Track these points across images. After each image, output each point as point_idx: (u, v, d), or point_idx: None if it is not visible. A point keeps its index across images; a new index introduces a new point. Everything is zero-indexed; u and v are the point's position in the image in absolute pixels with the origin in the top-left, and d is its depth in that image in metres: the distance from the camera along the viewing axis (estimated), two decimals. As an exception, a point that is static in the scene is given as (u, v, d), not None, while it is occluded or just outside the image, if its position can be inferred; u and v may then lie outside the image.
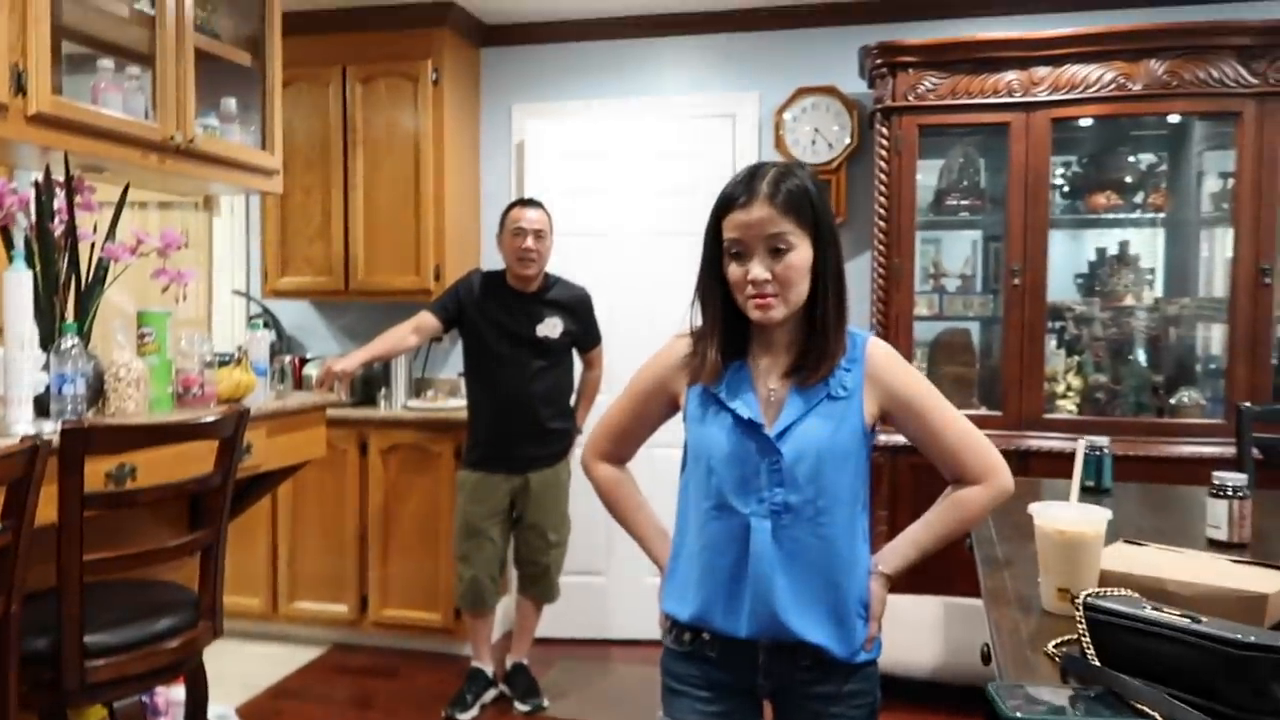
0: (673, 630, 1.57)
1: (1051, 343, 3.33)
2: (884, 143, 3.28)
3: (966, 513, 1.54)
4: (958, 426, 1.54)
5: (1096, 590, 1.17)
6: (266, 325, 3.78)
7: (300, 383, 4.00)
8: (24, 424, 1.92)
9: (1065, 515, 1.37)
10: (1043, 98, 3.13)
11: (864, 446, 1.52)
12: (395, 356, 3.64)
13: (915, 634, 1.98)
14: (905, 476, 3.17)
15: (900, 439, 3.12)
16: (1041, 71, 3.13)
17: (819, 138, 3.78)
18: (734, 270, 1.48)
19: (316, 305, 4.40)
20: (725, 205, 1.49)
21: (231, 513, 2.32)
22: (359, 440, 3.82)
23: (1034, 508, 1.42)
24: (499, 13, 4.00)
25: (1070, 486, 1.53)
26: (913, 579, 2.99)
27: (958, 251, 3.63)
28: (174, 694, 2.41)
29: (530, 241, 3.17)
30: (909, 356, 3.25)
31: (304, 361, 4.17)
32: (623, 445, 1.71)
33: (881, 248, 3.29)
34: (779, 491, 1.45)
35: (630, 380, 1.72)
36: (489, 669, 3.34)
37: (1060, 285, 3.40)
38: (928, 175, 3.47)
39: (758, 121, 3.90)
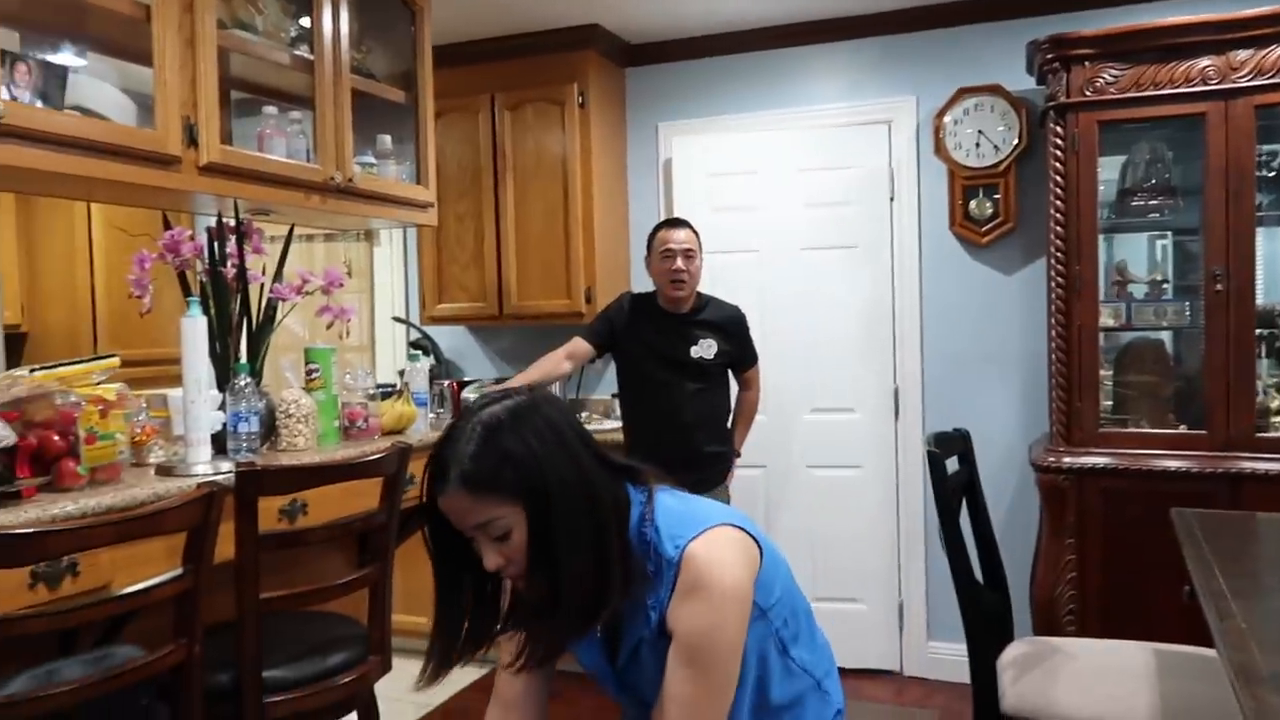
0: None
1: (1261, 352, 3.00)
2: (1058, 142, 3.04)
3: None
4: (696, 702, 1.20)
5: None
6: (426, 353, 3.87)
7: (459, 406, 4.07)
8: (203, 464, 1.99)
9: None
10: (1245, 83, 2.82)
11: None
12: (550, 384, 3.64)
13: (1125, 685, 1.78)
14: (1094, 501, 2.92)
15: (1087, 460, 2.91)
16: (1242, 55, 2.83)
17: (983, 140, 3.56)
18: (481, 555, 1.25)
19: (472, 330, 4.48)
20: (428, 490, 1.25)
21: (396, 541, 2.35)
22: (515, 464, 3.85)
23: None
24: (642, 32, 3.97)
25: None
26: (1114, 624, 2.76)
27: (1146, 255, 3.33)
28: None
29: (680, 262, 3.10)
30: (1093, 372, 3.00)
31: (462, 385, 4.24)
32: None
33: (1059, 254, 3.04)
34: None
35: None
36: None
37: (1270, 288, 3.06)
38: (1108, 173, 3.19)
39: (915, 127, 3.71)
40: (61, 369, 1.87)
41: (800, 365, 3.80)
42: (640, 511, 1.28)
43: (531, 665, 1.30)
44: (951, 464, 2.07)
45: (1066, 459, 2.95)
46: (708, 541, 1.23)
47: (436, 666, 1.31)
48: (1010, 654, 2.03)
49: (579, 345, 3.22)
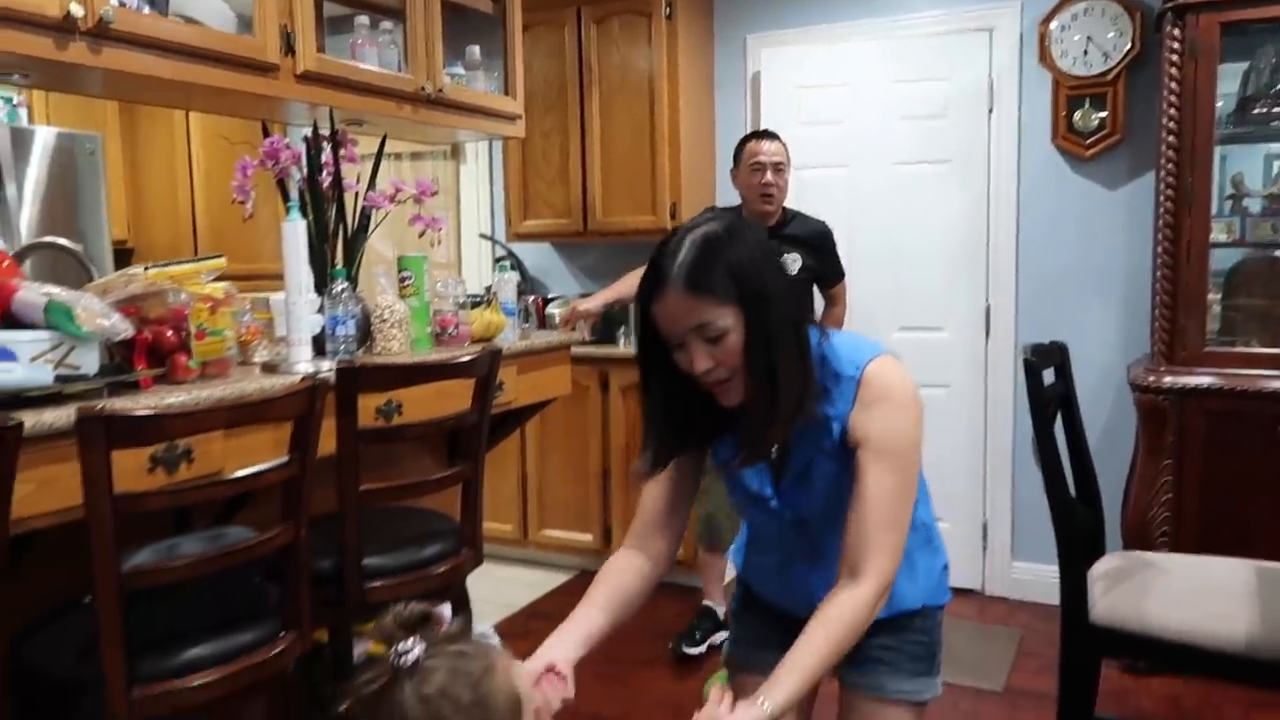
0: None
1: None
2: (1175, 46, 2.87)
3: (850, 621, 1.28)
4: (893, 498, 1.31)
5: None
6: (512, 267, 3.91)
7: (544, 322, 4.13)
8: (305, 363, 2.06)
9: None
10: (1385, -23, 2.62)
11: None
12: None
13: (1224, 602, 1.74)
14: (1195, 422, 2.82)
15: (1190, 380, 2.81)
16: (1384, -56, 2.61)
17: (1091, 47, 3.37)
18: (677, 357, 1.33)
19: (557, 246, 4.50)
20: (644, 297, 1.32)
21: (486, 446, 2.42)
22: (600, 378, 3.90)
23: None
24: (733, -63, 3.85)
25: None
26: (1209, 547, 2.69)
27: (1263, 169, 3.15)
28: (443, 609, 2.56)
29: (769, 176, 3.05)
30: (1200, 288, 2.87)
31: (546, 302, 4.29)
32: (648, 533, 1.48)
33: (1170, 166, 2.90)
34: (804, 542, 1.46)
35: None
36: (720, 609, 3.34)
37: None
38: (1228, 82, 3.00)
39: (1019, 34, 3.54)
40: (172, 268, 1.95)
41: (889, 282, 3.73)
42: (816, 334, 1.37)
43: (737, 467, 1.39)
44: (1047, 377, 2.02)
45: (1168, 379, 2.85)
46: (883, 363, 1.35)
47: (653, 464, 1.41)
48: (1102, 567, 2.00)
49: None
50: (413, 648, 0.99)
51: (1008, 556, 3.69)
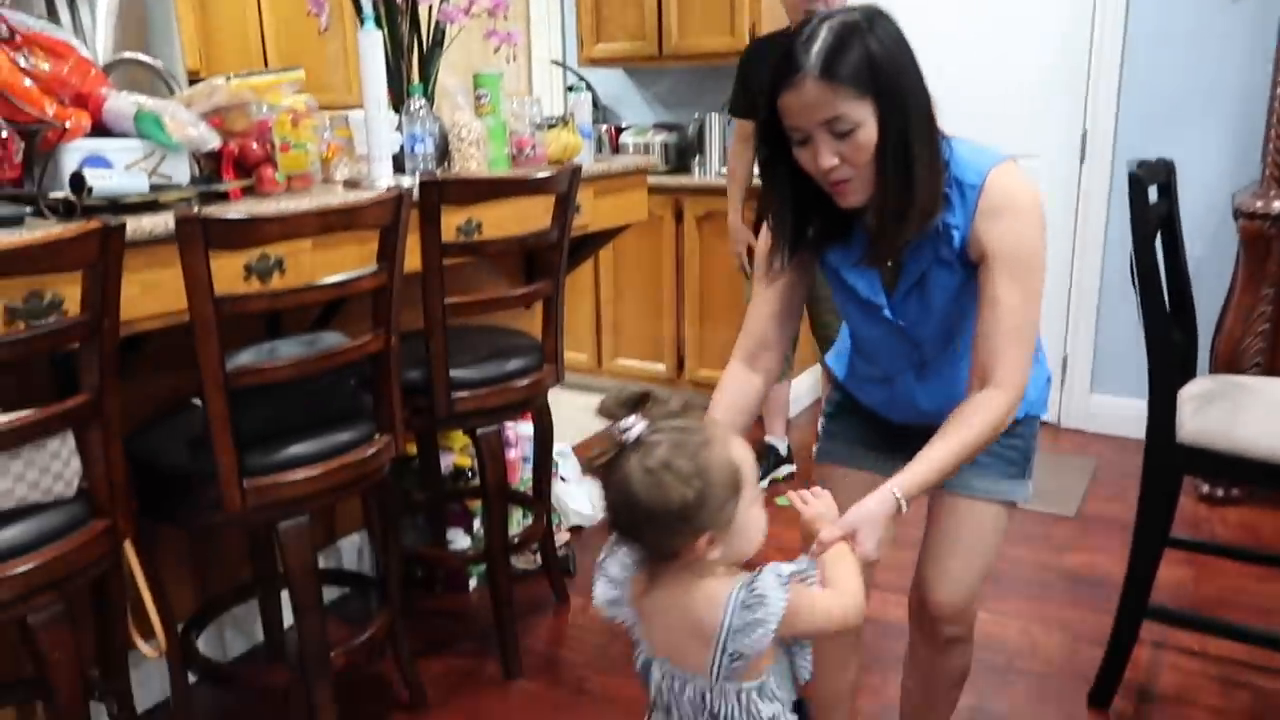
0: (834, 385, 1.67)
1: None
2: None
3: (985, 422, 1.28)
4: (1022, 309, 1.29)
5: None
6: (588, 87, 3.81)
7: (617, 151, 4.06)
8: (385, 178, 2.06)
9: None
10: None
11: None
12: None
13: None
14: (1300, 249, 2.69)
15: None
16: None
17: None
18: (800, 154, 1.27)
19: (630, 73, 4.37)
20: (774, 84, 1.23)
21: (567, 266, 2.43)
22: (675, 207, 3.85)
23: None
24: None
25: None
26: None
27: None
28: (522, 429, 2.65)
29: None
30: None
31: (619, 131, 4.20)
32: (758, 347, 1.47)
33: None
34: (915, 353, 1.44)
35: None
36: (782, 445, 3.36)
37: None
38: None
39: None
40: (254, 79, 1.94)
41: (976, 105, 3.53)
42: (940, 138, 1.31)
43: (867, 265, 1.36)
44: (1151, 196, 1.92)
45: (1277, 204, 2.70)
46: (1006, 170, 1.30)
47: (784, 256, 1.39)
48: (1193, 389, 1.96)
49: (742, 127, 3.10)
50: (635, 424, 1.06)
51: (1086, 390, 3.65)
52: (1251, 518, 2.94)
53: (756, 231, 2.82)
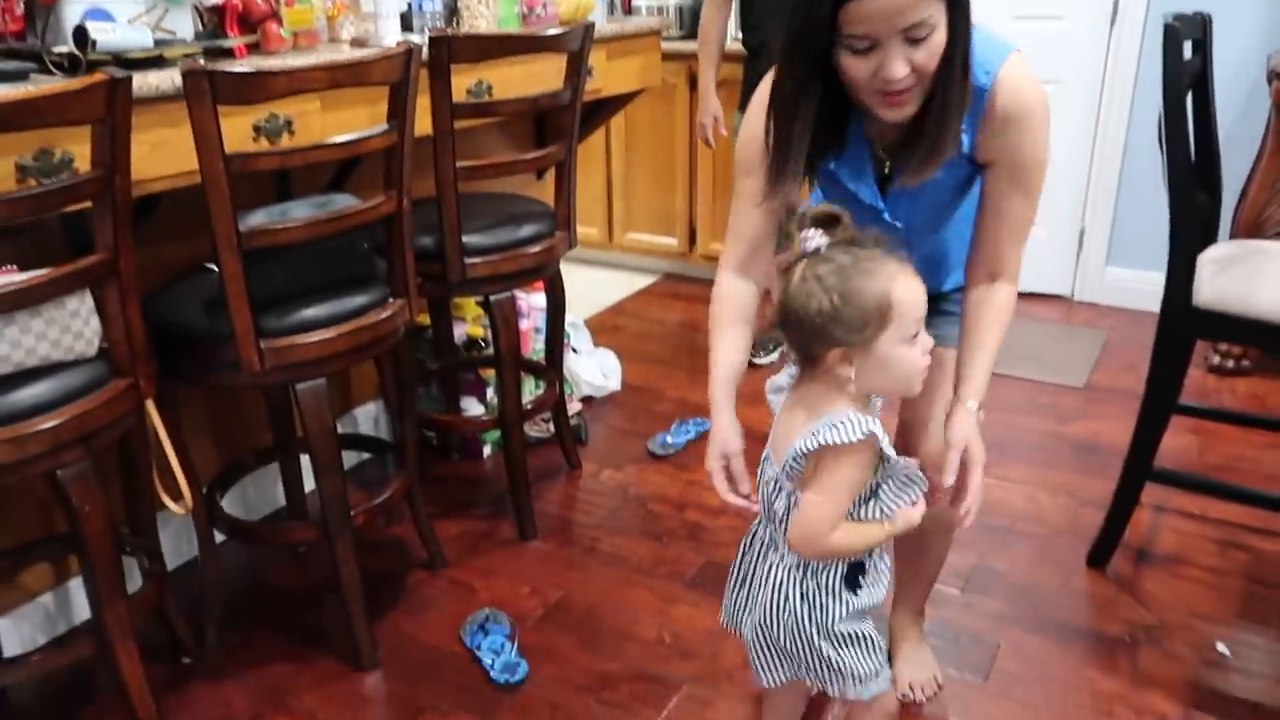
0: None
1: None
2: None
3: (1006, 318, 1.40)
4: (1026, 214, 1.35)
5: None
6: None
7: (630, 13, 3.91)
8: (393, 36, 2.01)
9: None
10: None
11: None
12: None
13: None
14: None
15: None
16: None
17: None
18: (855, 65, 1.17)
19: (642, -70, 4.17)
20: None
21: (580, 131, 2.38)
22: (689, 75, 3.74)
23: None
24: None
25: None
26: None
27: None
28: (534, 300, 2.65)
29: None
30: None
31: (633, -8, 4.04)
32: (750, 257, 1.44)
33: None
34: (904, 246, 1.34)
35: (735, 166, 1.43)
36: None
37: None
38: None
39: None
40: (252, -72, 1.86)
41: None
42: None
43: (910, 180, 1.31)
44: (1185, 52, 1.86)
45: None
46: (1015, 68, 1.26)
47: (776, 176, 1.31)
48: (1213, 253, 1.94)
49: None
50: (814, 237, 1.15)
51: (1102, 262, 3.61)
52: (1260, 387, 2.95)
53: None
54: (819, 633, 1.29)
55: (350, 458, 2.56)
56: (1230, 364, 3.00)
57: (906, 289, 1.15)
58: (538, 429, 2.72)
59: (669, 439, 2.71)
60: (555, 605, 2.05)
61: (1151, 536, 2.22)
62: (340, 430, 2.42)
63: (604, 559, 2.21)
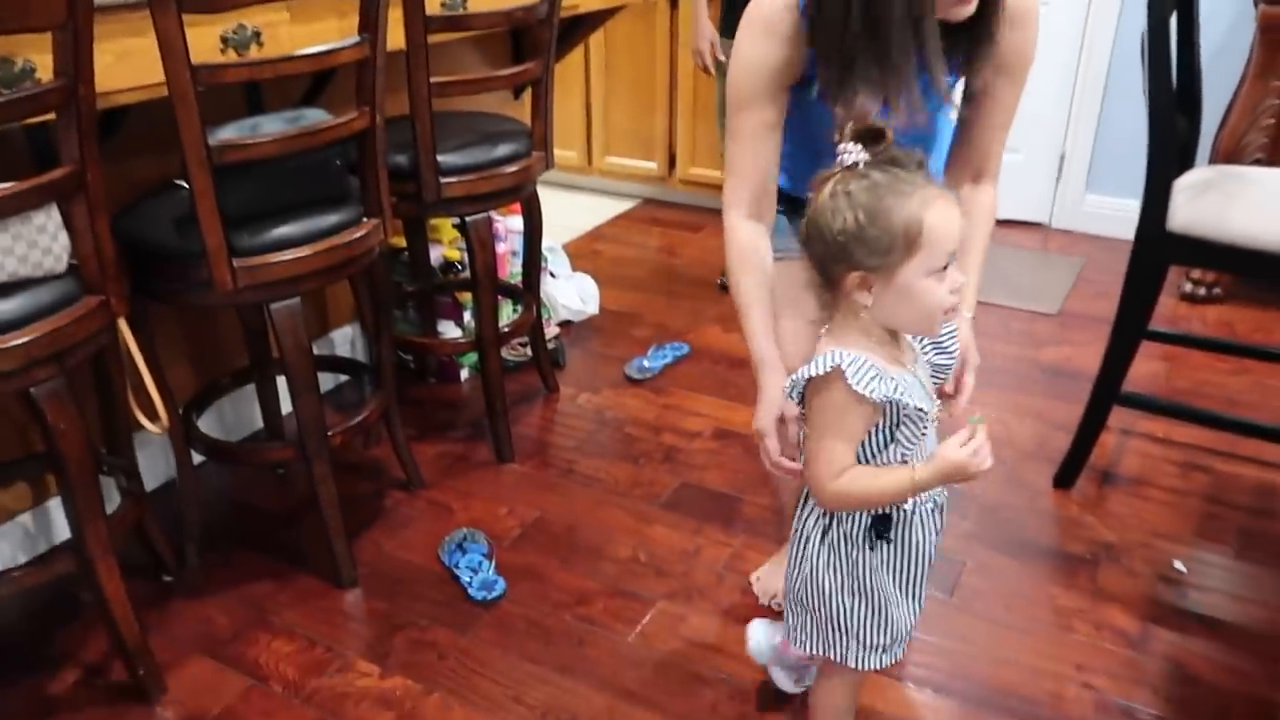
0: None
1: None
2: None
3: (991, 222, 1.47)
4: (1015, 103, 1.43)
5: None
6: None
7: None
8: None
9: None
10: None
11: None
12: None
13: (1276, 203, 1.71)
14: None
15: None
16: None
17: None
18: None
19: None
20: None
21: (556, 53, 2.33)
22: (669, -8, 3.66)
23: None
24: None
25: None
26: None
27: None
28: (511, 223, 2.63)
29: None
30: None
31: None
32: (760, 196, 1.42)
33: None
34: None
35: (733, 100, 1.37)
36: None
37: None
38: None
39: None
40: None
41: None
42: None
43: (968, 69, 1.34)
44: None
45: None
46: None
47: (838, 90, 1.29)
48: (1189, 178, 1.94)
49: None
50: (855, 151, 1.08)
51: (1081, 189, 3.61)
52: (1230, 315, 2.99)
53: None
54: (842, 586, 1.22)
55: (327, 380, 2.56)
56: (1203, 291, 3.04)
57: (941, 216, 1.05)
58: (515, 353, 2.73)
59: (646, 363, 2.72)
60: (532, 525, 2.08)
61: (1117, 459, 2.27)
62: (317, 353, 2.42)
63: (580, 481, 2.23)
